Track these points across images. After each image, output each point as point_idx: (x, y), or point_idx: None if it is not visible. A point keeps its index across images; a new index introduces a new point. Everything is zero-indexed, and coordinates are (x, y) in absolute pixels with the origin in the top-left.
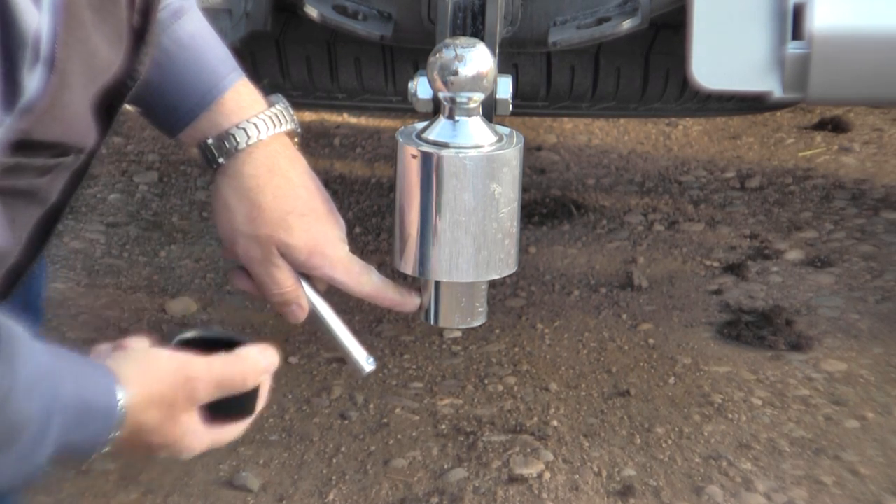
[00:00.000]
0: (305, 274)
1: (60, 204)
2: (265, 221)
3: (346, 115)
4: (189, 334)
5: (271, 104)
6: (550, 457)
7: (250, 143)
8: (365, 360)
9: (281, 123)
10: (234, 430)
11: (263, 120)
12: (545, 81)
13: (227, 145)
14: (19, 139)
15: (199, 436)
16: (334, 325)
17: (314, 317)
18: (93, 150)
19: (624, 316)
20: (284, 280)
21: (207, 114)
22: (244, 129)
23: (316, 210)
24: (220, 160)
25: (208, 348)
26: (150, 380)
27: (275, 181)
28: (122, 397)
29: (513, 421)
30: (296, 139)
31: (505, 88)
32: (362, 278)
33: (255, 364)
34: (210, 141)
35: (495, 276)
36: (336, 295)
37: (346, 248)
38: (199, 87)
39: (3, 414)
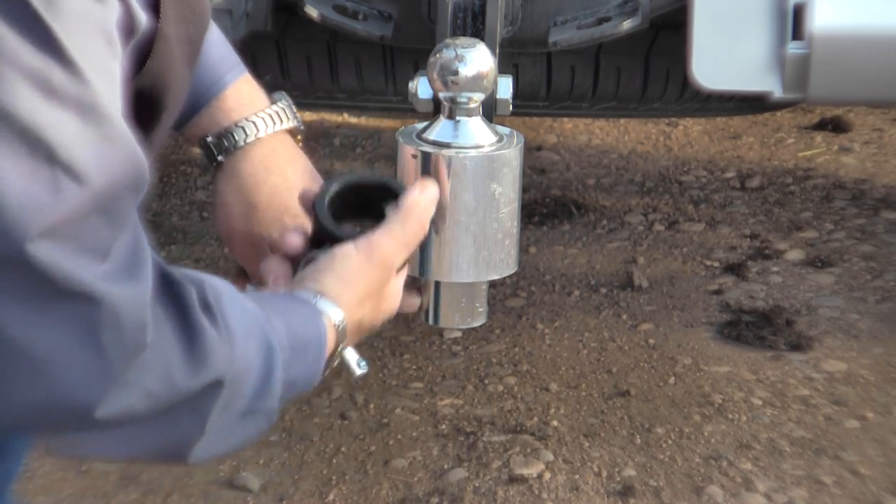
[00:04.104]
0: None
1: None
2: (259, 221)
3: (346, 115)
4: (336, 187)
5: (273, 101)
6: (550, 457)
7: (248, 141)
8: (356, 363)
9: (282, 121)
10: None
11: (263, 118)
12: (545, 81)
13: (226, 143)
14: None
15: (399, 287)
16: None
17: None
18: None
19: (624, 316)
20: (278, 276)
21: (208, 111)
22: (243, 128)
23: None
24: (220, 158)
25: (360, 195)
26: (353, 283)
27: (271, 180)
28: (337, 315)
29: (513, 421)
30: (299, 137)
31: (505, 88)
32: None
33: (424, 207)
34: (210, 139)
35: (495, 277)
36: None
37: None
38: (201, 84)
39: (230, 371)
